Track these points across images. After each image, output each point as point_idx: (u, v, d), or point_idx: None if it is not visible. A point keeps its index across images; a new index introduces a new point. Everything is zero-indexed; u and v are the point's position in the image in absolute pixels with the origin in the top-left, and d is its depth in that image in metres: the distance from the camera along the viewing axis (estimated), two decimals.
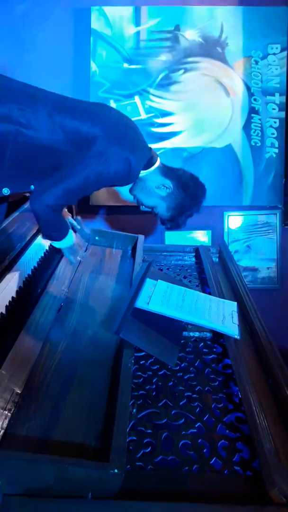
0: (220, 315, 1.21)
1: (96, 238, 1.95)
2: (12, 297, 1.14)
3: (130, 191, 1.58)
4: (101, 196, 2.47)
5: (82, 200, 2.43)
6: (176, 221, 1.55)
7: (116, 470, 0.71)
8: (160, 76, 2.34)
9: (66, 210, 1.77)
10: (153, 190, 1.51)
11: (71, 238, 1.50)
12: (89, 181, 1.32)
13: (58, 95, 1.40)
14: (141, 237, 1.90)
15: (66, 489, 0.73)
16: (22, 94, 1.33)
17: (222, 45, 2.33)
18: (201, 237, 2.50)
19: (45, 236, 1.48)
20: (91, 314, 1.34)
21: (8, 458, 0.70)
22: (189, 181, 1.51)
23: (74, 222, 1.81)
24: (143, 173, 1.46)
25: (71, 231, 1.51)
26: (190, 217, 1.56)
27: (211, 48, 2.33)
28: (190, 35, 2.32)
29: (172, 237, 2.50)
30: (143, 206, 1.60)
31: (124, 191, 2.47)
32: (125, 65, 2.33)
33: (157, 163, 1.50)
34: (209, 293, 1.42)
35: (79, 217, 1.94)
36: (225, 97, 2.36)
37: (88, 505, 0.70)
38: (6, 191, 1.35)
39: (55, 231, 1.43)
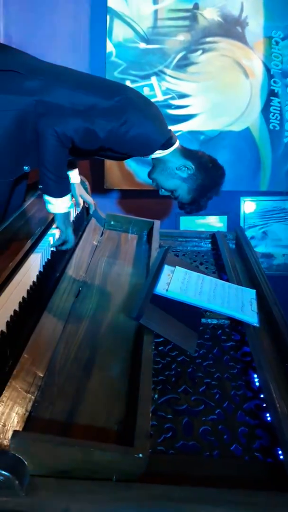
0: (239, 302, 1.21)
1: (112, 222, 1.95)
2: (33, 282, 1.15)
3: (149, 174, 1.56)
4: (116, 180, 2.45)
5: (96, 183, 2.42)
6: (197, 204, 1.53)
7: (140, 455, 0.72)
8: (178, 57, 2.29)
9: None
10: (174, 171, 1.48)
11: (68, 204, 1.39)
12: (103, 133, 1.28)
13: (82, 72, 1.40)
14: (157, 223, 1.89)
15: (91, 471, 0.74)
16: (46, 71, 1.34)
17: (242, 25, 2.27)
18: (216, 222, 2.49)
19: (43, 182, 1.32)
20: (109, 299, 1.34)
21: (36, 440, 0.72)
22: (209, 161, 1.49)
23: (89, 199, 1.79)
24: (162, 153, 1.44)
25: (70, 198, 1.40)
26: (210, 199, 1.54)
27: (230, 27, 2.27)
28: (209, 14, 2.26)
29: (187, 223, 2.48)
30: (163, 190, 1.57)
31: (138, 173, 2.45)
32: (142, 45, 2.28)
33: (176, 144, 1.47)
34: (227, 280, 1.42)
35: (94, 202, 1.94)
36: (244, 79, 2.31)
37: (112, 487, 0.71)
38: (27, 168, 1.36)
39: (56, 174, 1.29)
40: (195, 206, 1.54)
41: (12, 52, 1.40)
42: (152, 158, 1.51)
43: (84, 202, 1.82)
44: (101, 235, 1.84)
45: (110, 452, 0.73)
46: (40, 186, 1.34)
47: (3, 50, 1.39)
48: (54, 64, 1.43)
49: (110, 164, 2.42)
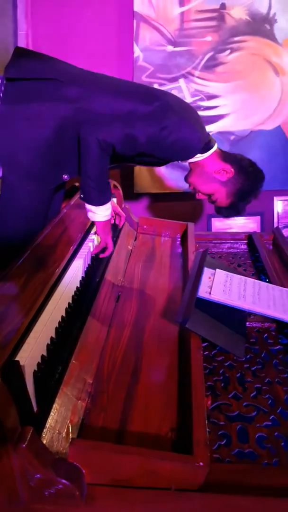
0: (285, 305, 1.18)
1: (145, 226, 1.94)
2: (77, 287, 1.15)
3: (186, 178, 1.55)
4: (145, 184, 2.44)
5: (126, 188, 2.42)
6: (235, 208, 1.51)
7: (201, 464, 0.70)
8: (206, 58, 2.28)
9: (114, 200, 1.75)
10: (212, 175, 1.46)
11: (109, 212, 1.38)
12: (144, 138, 1.26)
13: (120, 79, 1.41)
14: (190, 225, 1.87)
15: (149, 480, 0.73)
16: (85, 78, 1.36)
17: (271, 22, 2.23)
18: (249, 223, 2.45)
19: (84, 191, 1.32)
20: (149, 303, 1.33)
21: (94, 448, 0.71)
22: (249, 165, 1.46)
23: (120, 213, 1.75)
24: (200, 157, 1.43)
25: (110, 206, 1.40)
26: (249, 203, 1.51)
27: (259, 25, 2.24)
28: (237, 13, 2.24)
29: (219, 224, 2.45)
30: (200, 193, 1.55)
31: (168, 177, 2.44)
32: (169, 47, 2.28)
33: (215, 148, 1.46)
34: (268, 282, 1.38)
35: (127, 206, 1.94)
36: (274, 76, 2.27)
37: (174, 497, 0.69)
38: (66, 176, 1.37)
39: (97, 183, 1.29)
40: (233, 210, 1.52)
41: (50, 61, 1.41)
42: (190, 162, 1.49)
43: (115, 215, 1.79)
44: (135, 240, 1.83)
45: (170, 461, 0.71)
46: (82, 196, 1.34)
47: (41, 59, 1.40)
48: (92, 72, 1.44)
49: (139, 169, 2.41)
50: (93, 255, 1.39)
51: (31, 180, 1.36)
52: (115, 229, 1.75)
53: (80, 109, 1.29)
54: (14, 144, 1.32)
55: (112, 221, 1.60)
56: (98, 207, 1.33)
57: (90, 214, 1.37)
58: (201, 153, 1.41)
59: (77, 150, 1.32)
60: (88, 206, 1.35)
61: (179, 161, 1.49)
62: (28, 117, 1.30)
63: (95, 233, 1.44)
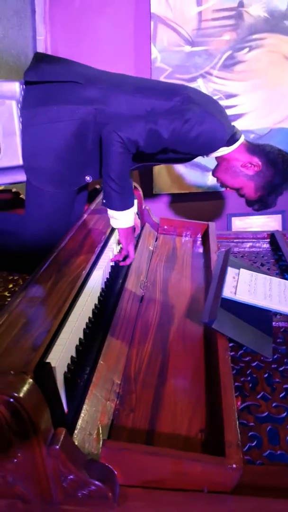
0: None
1: (165, 227, 1.94)
2: (102, 289, 1.16)
3: (213, 173, 1.51)
4: (164, 184, 2.44)
5: (145, 188, 2.43)
6: (265, 201, 1.45)
7: (234, 465, 0.70)
8: (224, 57, 2.26)
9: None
10: (239, 169, 1.42)
11: (132, 218, 1.34)
12: (167, 133, 1.23)
13: (139, 77, 1.40)
14: (212, 225, 1.86)
15: (181, 482, 0.72)
16: (104, 79, 1.35)
17: None
18: (270, 221, 2.42)
19: (106, 195, 1.28)
20: (172, 304, 1.33)
21: (126, 450, 0.71)
22: (278, 157, 1.39)
23: (137, 221, 1.62)
24: (226, 150, 1.38)
25: (133, 212, 1.36)
26: (280, 195, 1.45)
27: (277, 22, 2.21)
28: (255, 10, 2.21)
29: (239, 223, 2.43)
30: (227, 188, 1.50)
31: (187, 176, 2.43)
32: (187, 47, 2.27)
33: (241, 140, 1.40)
34: None
35: (147, 207, 1.94)
36: None
37: (208, 499, 0.69)
38: (88, 178, 1.36)
39: (120, 185, 1.25)
40: (263, 204, 1.47)
41: (69, 63, 1.42)
42: (216, 157, 1.45)
43: None
44: (156, 240, 1.83)
45: (202, 463, 0.71)
46: (104, 201, 1.31)
47: (60, 62, 1.42)
48: (110, 72, 1.44)
49: (158, 169, 2.41)
50: (112, 263, 1.37)
51: (53, 183, 1.37)
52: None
53: (100, 110, 1.29)
54: (35, 148, 1.33)
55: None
56: (121, 212, 1.30)
57: (112, 221, 1.34)
58: (227, 146, 1.37)
59: (99, 151, 1.32)
60: (110, 212, 1.32)
61: (205, 156, 1.43)
62: (48, 121, 1.30)
63: (117, 242, 1.40)
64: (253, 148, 1.41)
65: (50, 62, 1.42)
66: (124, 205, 1.30)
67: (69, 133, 1.31)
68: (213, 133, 1.26)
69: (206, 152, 1.38)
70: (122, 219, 1.32)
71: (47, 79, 1.34)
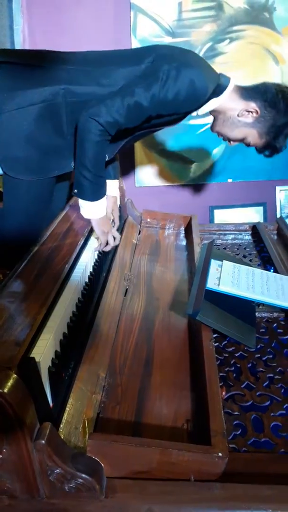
0: None
1: (148, 220, 1.94)
2: (85, 282, 1.15)
3: (212, 128, 1.43)
4: (147, 177, 2.44)
5: (128, 182, 2.41)
6: (274, 146, 1.35)
7: (220, 454, 0.71)
8: (205, 48, 2.25)
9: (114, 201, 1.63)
10: (237, 119, 1.32)
11: (104, 207, 1.31)
12: (146, 100, 1.16)
13: (108, 50, 1.33)
14: (194, 217, 1.87)
15: (168, 471, 0.73)
16: (69, 58, 1.29)
17: (270, 10, 2.20)
18: (252, 213, 2.44)
19: (78, 184, 1.23)
20: (157, 296, 1.33)
21: (113, 442, 0.71)
22: (276, 94, 1.27)
23: (116, 220, 1.62)
24: (217, 101, 1.29)
25: (105, 202, 1.32)
26: None
27: (257, 14, 2.21)
28: (235, 2, 2.20)
29: (221, 215, 2.45)
30: (232, 141, 1.41)
31: (170, 168, 2.43)
32: (168, 38, 2.25)
33: (231, 87, 1.30)
34: (275, 272, 1.38)
35: (129, 199, 1.93)
36: (274, 65, 2.25)
37: (195, 487, 0.70)
38: (72, 164, 1.30)
39: (94, 173, 1.21)
40: (272, 149, 1.37)
41: (33, 51, 1.37)
42: (210, 111, 1.36)
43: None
44: (139, 233, 1.83)
45: (188, 452, 0.71)
46: (75, 190, 1.27)
47: (22, 51, 1.37)
48: (75, 52, 1.37)
49: (140, 161, 2.40)
50: (97, 252, 1.36)
51: (31, 171, 1.30)
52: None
53: (69, 90, 1.22)
54: (7, 137, 1.26)
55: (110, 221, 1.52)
56: (92, 202, 1.26)
57: (83, 212, 1.29)
58: (216, 96, 1.28)
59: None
60: (81, 202, 1.27)
61: (196, 111, 1.32)
62: (16, 107, 1.23)
63: (96, 238, 1.37)
64: (247, 92, 1.30)
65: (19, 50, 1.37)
66: (96, 195, 1.26)
67: (40, 117, 1.24)
68: (191, 84, 1.16)
69: (192, 107, 1.27)
70: (94, 209, 1.27)
71: (12, 61, 1.27)
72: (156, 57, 1.22)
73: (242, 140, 1.38)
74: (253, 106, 1.29)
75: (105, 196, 1.32)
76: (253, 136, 1.34)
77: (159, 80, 1.15)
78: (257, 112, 1.29)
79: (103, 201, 1.29)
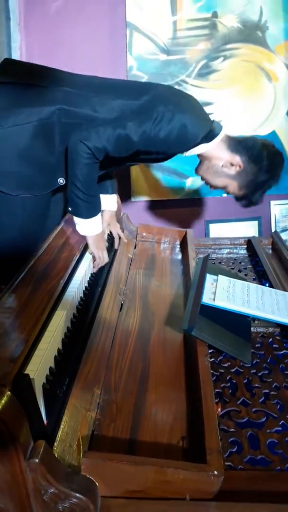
0: None
1: (144, 234, 1.95)
2: (80, 297, 1.15)
3: (196, 171, 1.47)
4: (142, 191, 2.45)
5: (123, 195, 2.43)
6: (250, 199, 1.41)
7: (215, 472, 0.70)
8: (199, 66, 2.30)
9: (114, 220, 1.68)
10: (220, 169, 1.36)
11: (99, 224, 1.32)
12: (137, 136, 1.19)
13: (107, 78, 1.37)
14: (190, 231, 1.88)
15: (163, 490, 0.72)
16: (68, 80, 1.32)
17: (262, 29, 2.26)
18: (247, 228, 2.46)
19: (72, 203, 1.25)
20: (152, 311, 1.33)
21: (107, 460, 0.70)
22: (262, 152, 1.32)
23: (116, 233, 1.70)
24: (205, 147, 1.32)
25: (100, 219, 1.33)
26: (268, 189, 1.39)
27: (250, 33, 2.26)
28: (229, 21, 2.26)
29: (217, 230, 2.46)
30: (211, 187, 1.47)
31: (164, 182, 2.45)
32: (163, 56, 2.29)
33: (221, 136, 1.33)
34: (270, 287, 1.39)
35: (125, 214, 1.94)
36: (267, 82, 2.30)
37: (190, 507, 0.69)
38: (62, 180, 1.32)
39: (86, 193, 1.23)
40: (248, 201, 1.42)
41: (34, 66, 1.39)
42: (197, 155, 1.39)
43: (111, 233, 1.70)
44: (135, 247, 1.84)
45: (184, 470, 0.71)
46: (69, 208, 1.29)
47: (25, 65, 1.39)
48: (77, 74, 1.41)
49: (136, 176, 2.42)
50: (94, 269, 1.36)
51: (23, 188, 1.32)
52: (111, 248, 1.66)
53: (64, 110, 1.24)
54: (1, 153, 1.28)
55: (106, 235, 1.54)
56: (87, 220, 1.27)
57: (79, 228, 1.30)
58: (206, 142, 1.31)
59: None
60: (76, 220, 1.29)
61: (184, 154, 1.36)
62: (12, 124, 1.25)
63: (91, 253, 1.37)
64: (234, 144, 1.35)
65: (16, 66, 1.40)
66: (91, 213, 1.27)
67: (34, 135, 1.26)
68: (183, 129, 1.20)
69: (180, 150, 1.31)
70: (89, 226, 1.28)
71: (7, 81, 1.30)
72: (154, 96, 1.26)
73: (222, 188, 1.44)
74: (238, 160, 1.34)
75: (100, 214, 1.33)
76: (233, 187, 1.40)
77: (152, 119, 1.19)
78: (240, 167, 1.35)
79: (97, 218, 1.31)
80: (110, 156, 1.25)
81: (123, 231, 1.82)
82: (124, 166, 1.46)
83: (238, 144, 1.35)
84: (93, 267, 1.36)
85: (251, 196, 1.40)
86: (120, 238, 1.72)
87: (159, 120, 1.19)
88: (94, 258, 1.37)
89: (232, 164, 1.35)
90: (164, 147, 1.27)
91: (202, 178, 1.47)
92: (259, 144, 1.34)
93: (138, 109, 1.24)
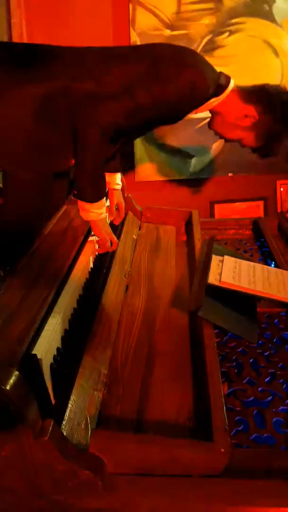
0: None
1: (148, 215, 1.93)
2: (86, 279, 1.15)
3: (209, 126, 1.41)
4: (147, 172, 2.43)
5: (128, 177, 2.41)
6: (268, 150, 1.37)
7: (222, 450, 0.71)
8: (204, 41, 2.24)
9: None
10: (234, 122, 1.31)
11: (104, 208, 1.26)
12: (146, 102, 1.14)
13: (102, 47, 1.30)
14: (195, 212, 1.86)
15: (171, 468, 0.73)
16: (69, 54, 1.27)
17: (269, 2, 2.19)
18: (253, 208, 2.43)
19: (78, 187, 1.20)
20: (158, 292, 1.33)
21: (116, 439, 0.71)
22: (277, 99, 1.27)
23: (121, 210, 1.64)
24: (216, 101, 1.27)
25: (105, 203, 1.27)
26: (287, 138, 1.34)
27: (257, 6, 2.19)
28: None
29: (222, 210, 2.44)
30: (226, 140, 1.42)
31: (170, 163, 2.42)
32: (167, 31, 2.24)
33: (230, 87, 1.28)
34: (276, 267, 1.38)
35: (129, 195, 1.92)
36: (274, 58, 2.23)
37: (199, 483, 0.70)
38: (67, 162, 1.28)
39: (94, 175, 1.19)
40: (266, 153, 1.38)
41: (30, 44, 1.35)
42: (210, 110, 1.34)
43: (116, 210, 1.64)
44: (139, 229, 1.82)
45: (191, 449, 0.71)
46: (75, 192, 1.24)
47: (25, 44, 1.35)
48: (75, 47, 1.32)
49: (140, 156, 2.39)
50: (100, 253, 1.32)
51: (27, 169, 1.29)
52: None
53: (67, 87, 1.19)
54: (3, 133, 1.23)
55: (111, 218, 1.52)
56: (92, 203, 1.21)
57: (83, 213, 1.24)
58: (215, 96, 1.26)
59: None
60: (81, 204, 1.22)
61: (195, 111, 1.30)
62: (9, 102, 1.20)
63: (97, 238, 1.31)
64: (247, 95, 1.29)
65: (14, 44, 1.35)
66: (95, 196, 1.22)
67: (37, 113, 1.20)
68: (193, 85, 1.15)
69: (192, 107, 1.26)
70: (94, 210, 1.24)
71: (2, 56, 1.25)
72: (155, 57, 1.20)
73: (239, 141, 1.39)
74: (252, 110, 1.28)
75: (104, 198, 1.28)
76: (249, 139, 1.35)
77: (159, 80, 1.14)
78: (254, 118, 1.29)
79: (102, 202, 1.26)
80: (122, 128, 1.19)
81: (127, 213, 1.81)
82: (137, 135, 1.40)
83: (251, 93, 1.30)
84: (98, 252, 1.34)
85: (268, 147, 1.36)
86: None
87: (166, 81, 1.14)
88: (99, 243, 1.33)
89: (246, 116, 1.30)
90: (177, 107, 1.22)
91: (216, 133, 1.41)
92: (272, 91, 1.29)
93: (143, 73, 1.18)
